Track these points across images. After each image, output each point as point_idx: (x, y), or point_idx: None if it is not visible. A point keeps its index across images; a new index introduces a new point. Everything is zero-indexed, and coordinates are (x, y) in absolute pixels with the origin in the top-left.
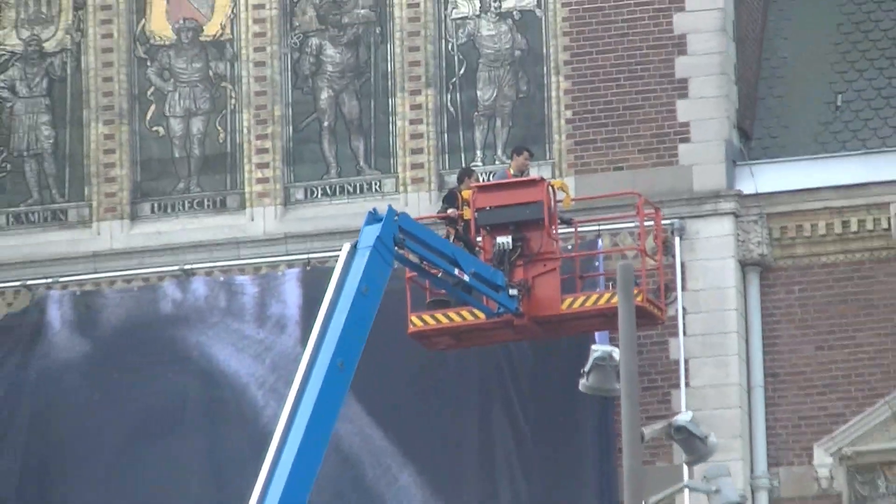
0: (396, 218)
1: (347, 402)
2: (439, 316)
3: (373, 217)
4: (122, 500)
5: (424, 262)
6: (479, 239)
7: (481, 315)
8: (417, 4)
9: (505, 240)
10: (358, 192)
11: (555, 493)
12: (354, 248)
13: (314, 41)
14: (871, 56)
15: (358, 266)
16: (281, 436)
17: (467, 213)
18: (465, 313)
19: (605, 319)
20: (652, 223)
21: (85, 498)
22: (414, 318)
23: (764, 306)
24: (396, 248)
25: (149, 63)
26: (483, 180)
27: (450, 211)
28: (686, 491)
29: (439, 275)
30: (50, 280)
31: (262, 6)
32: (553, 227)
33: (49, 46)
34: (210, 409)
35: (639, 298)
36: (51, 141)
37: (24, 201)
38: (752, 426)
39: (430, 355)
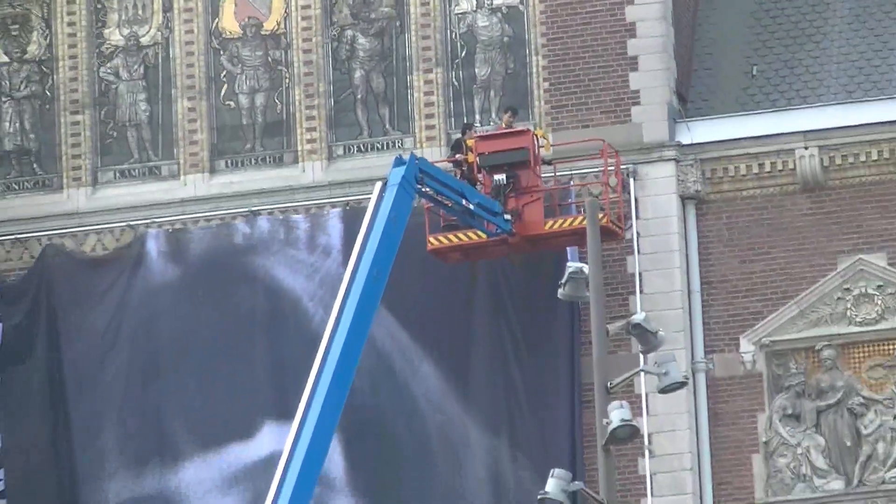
0: (417, 161)
1: (380, 310)
2: (451, 236)
3: (398, 161)
4: (205, 393)
5: (439, 195)
6: (480, 177)
7: (483, 235)
8: (428, 3)
9: (500, 177)
10: (385, 148)
11: (539, 376)
12: (385, 185)
13: (349, 32)
14: (779, 36)
15: (388, 199)
16: (330, 333)
17: (471, 158)
18: (471, 234)
19: (577, 237)
20: (613, 164)
21: (177, 393)
22: (432, 239)
23: (699, 230)
24: (417, 184)
25: (221, 52)
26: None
27: (457, 156)
28: (642, 374)
29: (450, 204)
30: (148, 221)
31: (308, 6)
32: (537, 166)
33: (144, 41)
34: (272, 318)
35: (604, 220)
36: (147, 113)
37: (127, 160)
38: (692, 323)
39: (445, 271)
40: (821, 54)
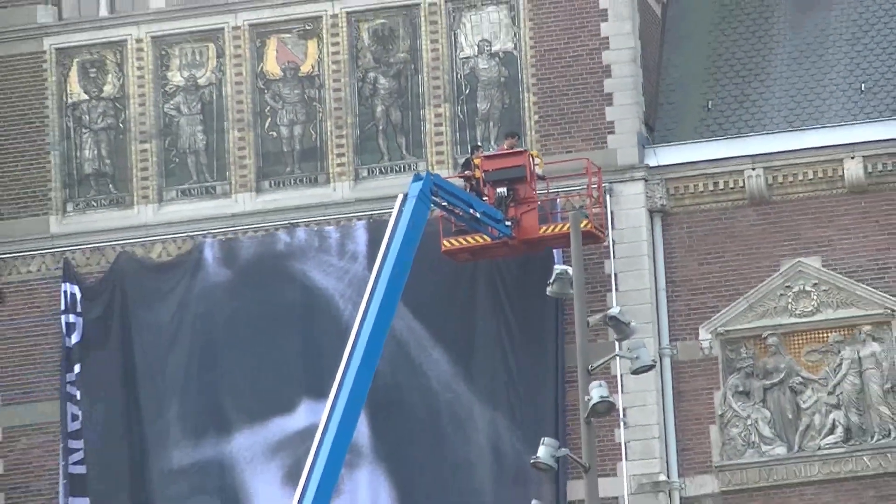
0: (432, 176)
1: (399, 306)
2: (461, 239)
3: (416, 177)
4: (252, 375)
5: (451, 205)
6: (485, 190)
7: (488, 238)
8: (437, 49)
9: (502, 190)
10: (402, 171)
11: (530, 360)
12: (405, 197)
13: (371, 74)
14: (730, 75)
15: (408, 209)
16: (358, 324)
17: (478, 174)
18: (477, 237)
19: (566, 240)
20: (595, 180)
21: (229, 375)
22: (445, 242)
23: (664, 238)
24: (433, 196)
25: (265, 91)
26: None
27: (466, 172)
28: (617, 359)
29: (460, 213)
30: (205, 232)
31: (337, 53)
32: (532, 182)
33: (201, 81)
34: (308, 313)
35: (588, 226)
36: (203, 142)
37: (187, 181)
38: (659, 315)
39: (452, 273)
40: (765, 90)
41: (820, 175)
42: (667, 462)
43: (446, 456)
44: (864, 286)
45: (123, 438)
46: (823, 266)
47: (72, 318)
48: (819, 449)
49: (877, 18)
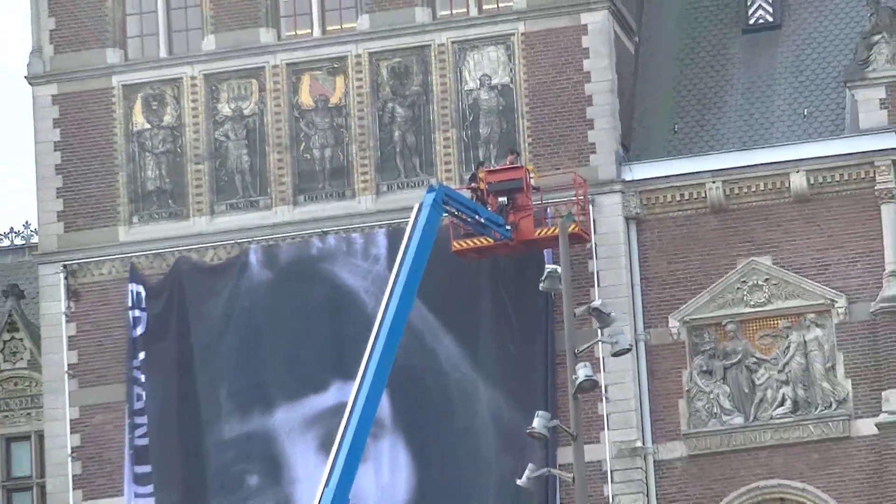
0: (443, 188)
1: (416, 301)
2: (469, 241)
3: (430, 189)
4: (290, 360)
5: (459, 212)
6: (488, 199)
7: (491, 240)
8: (445, 83)
9: (503, 199)
10: (416, 186)
11: (525, 345)
12: (421, 206)
13: (390, 104)
14: (692, 103)
15: (423, 216)
16: (382, 314)
17: (482, 185)
18: (482, 239)
19: (556, 241)
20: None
21: (270, 360)
22: (455, 243)
23: (639, 242)
24: (444, 205)
25: (300, 119)
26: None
27: (472, 184)
28: (599, 343)
29: (467, 219)
30: (250, 239)
31: (360, 87)
32: (528, 192)
33: (246, 112)
34: (338, 307)
35: (576, 229)
36: (248, 163)
37: (235, 197)
38: (634, 307)
39: (460, 269)
40: (722, 115)
41: (769, 187)
42: (642, 430)
43: (455, 427)
44: (808, 280)
45: (180, 414)
46: (773, 264)
47: (137, 313)
48: (771, 419)
49: (816, 54)
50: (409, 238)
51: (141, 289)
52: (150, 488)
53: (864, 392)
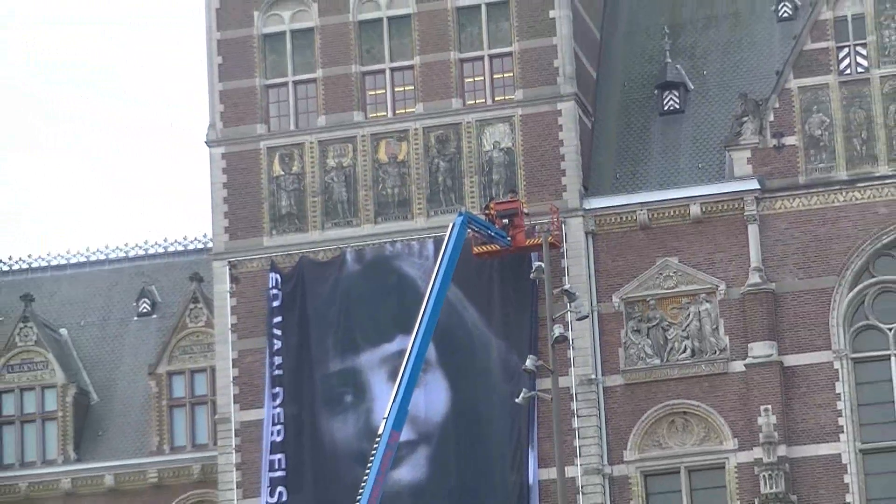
0: (468, 213)
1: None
2: (485, 247)
3: (459, 214)
4: (372, 322)
5: (478, 229)
6: (497, 220)
7: (497, 247)
8: (471, 146)
9: (505, 220)
10: (451, 213)
11: (520, 313)
12: (454, 225)
13: (436, 160)
14: (627, 158)
15: (455, 231)
16: (428, 295)
17: (493, 212)
18: (492, 246)
19: (540, 248)
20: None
21: (361, 324)
22: (475, 248)
23: (594, 248)
24: (468, 224)
25: (378, 169)
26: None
27: (486, 211)
28: (568, 312)
29: (483, 233)
30: (346, 245)
31: (417, 148)
32: (522, 216)
33: (344, 164)
34: (402, 288)
35: (553, 240)
36: (346, 197)
37: (337, 218)
38: (591, 289)
39: (479, 265)
40: (646, 166)
41: (677, 213)
42: (595, 368)
43: (476, 365)
44: (701, 273)
45: (300, 356)
46: (679, 262)
47: (275, 292)
48: (677, 361)
49: (707, 129)
50: (446, 246)
51: (278, 277)
52: (279, 402)
53: (736, 344)
